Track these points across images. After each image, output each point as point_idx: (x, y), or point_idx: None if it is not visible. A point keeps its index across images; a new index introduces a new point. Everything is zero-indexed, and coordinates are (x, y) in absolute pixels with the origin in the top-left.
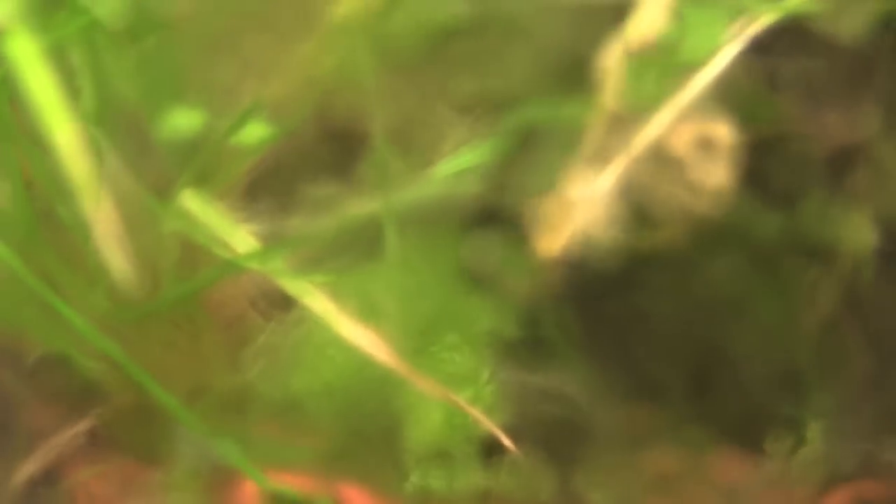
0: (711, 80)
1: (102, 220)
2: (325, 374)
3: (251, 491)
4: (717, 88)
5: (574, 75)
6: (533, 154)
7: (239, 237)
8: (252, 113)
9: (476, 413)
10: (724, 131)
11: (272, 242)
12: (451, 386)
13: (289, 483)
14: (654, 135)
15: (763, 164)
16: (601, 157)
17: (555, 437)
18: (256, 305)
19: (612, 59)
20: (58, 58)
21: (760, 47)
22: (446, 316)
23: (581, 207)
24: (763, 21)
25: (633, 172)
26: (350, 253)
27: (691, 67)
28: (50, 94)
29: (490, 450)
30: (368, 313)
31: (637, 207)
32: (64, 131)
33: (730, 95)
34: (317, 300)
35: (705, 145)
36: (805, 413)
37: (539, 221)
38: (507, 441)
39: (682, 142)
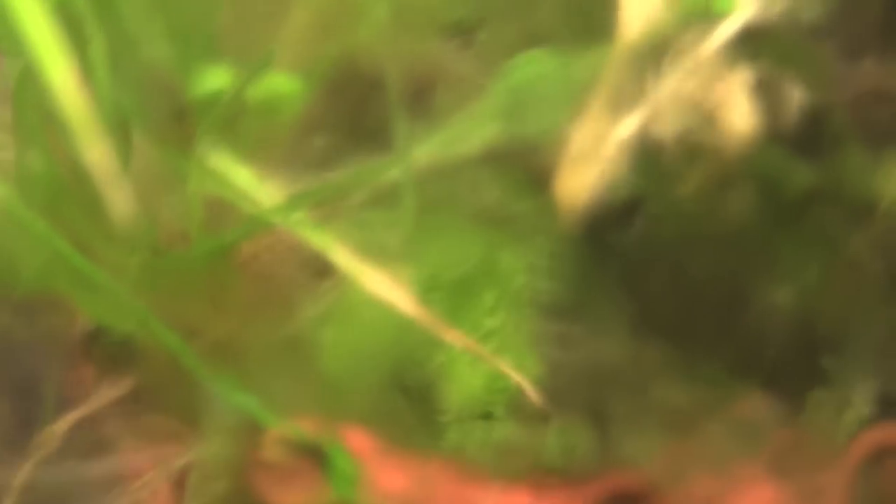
0: (743, 22)
1: (101, 166)
2: (359, 333)
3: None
4: (749, 31)
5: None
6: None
7: (264, 193)
8: (274, 67)
9: (511, 370)
10: (750, 76)
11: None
12: (488, 343)
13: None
14: (680, 78)
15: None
16: (622, 100)
17: (590, 392)
18: (293, 266)
19: None
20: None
21: None
22: (480, 273)
23: (601, 152)
24: None
25: (657, 115)
26: (378, 211)
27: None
28: (44, 30)
29: (527, 407)
30: (398, 272)
31: (660, 151)
32: (59, 70)
33: (761, 39)
34: (344, 256)
35: (734, 88)
36: (833, 361)
37: (559, 166)
38: (538, 397)
39: (709, 84)
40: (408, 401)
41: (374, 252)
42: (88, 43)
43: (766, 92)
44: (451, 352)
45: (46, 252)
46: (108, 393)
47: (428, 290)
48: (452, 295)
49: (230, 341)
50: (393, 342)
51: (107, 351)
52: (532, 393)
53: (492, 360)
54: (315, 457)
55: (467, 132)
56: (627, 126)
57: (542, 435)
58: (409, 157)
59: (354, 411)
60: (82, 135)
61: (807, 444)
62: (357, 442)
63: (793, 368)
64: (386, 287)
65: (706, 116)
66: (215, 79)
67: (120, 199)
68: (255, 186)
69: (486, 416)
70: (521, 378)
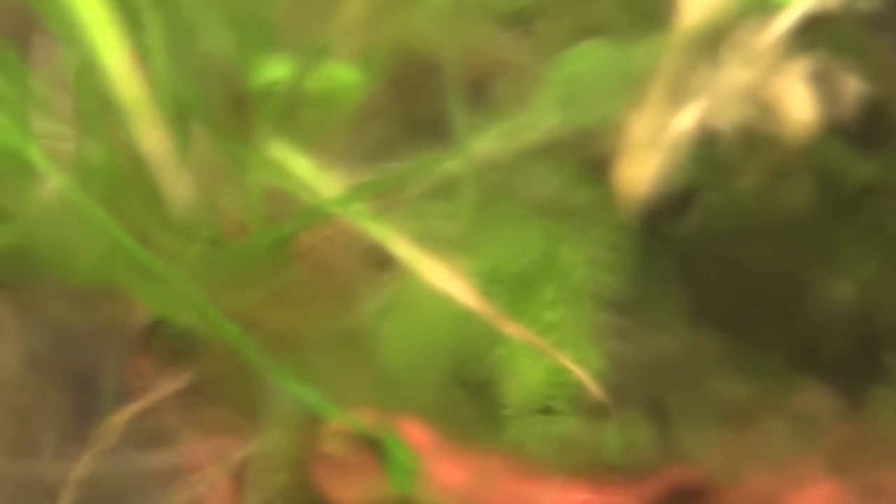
0: (802, 17)
1: (158, 153)
2: (419, 326)
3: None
4: (808, 22)
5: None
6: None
7: (323, 183)
8: (333, 56)
9: (571, 364)
10: (809, 67)
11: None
12: (548, 337)
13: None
14: (738, 68)
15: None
16: (680, 89)
17: (650, 386)
18: (352, 258)
19: None
20: None
21: None
22: (541, 265)
23: (659, 142)
24: None
25: (715, 106)
26: (438, 202)
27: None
28: (100, 17)
29: (588, 401)
30: (458, 264)
31: (718, 142)
32: (115, 57)
33: (820, 30)
34: (404, 247)
35: (793, 79)
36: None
37: (617, 157)
38: (598, 391)
39: (769, 75)
40: (468, 394)
41: (434, 243)
42: (146, 30)
43: (824, 83)
44: (512, 345)
45: (105, 243)
46: (167, 385)
47: (488, 283)
48: (513, 288)
49: (290, 333)
50: (453, 335)
51: (166, 343)
52: (592, 387)
53: (552, 353)
54: (373, 449)
55: (526, 123)
56: (686, 117)
57: (602, 430)
58: (468, 149)
59: (414, 405)
60: (139, 122)
61: (867, 440)
62: (415, 435)
63: (853, 363)
64: (445, 279)
65: (765, 107)
66: (275, 69)
67: (178, 187)
68: (315, 177)
69: (547, 410)
70: (582, 372)
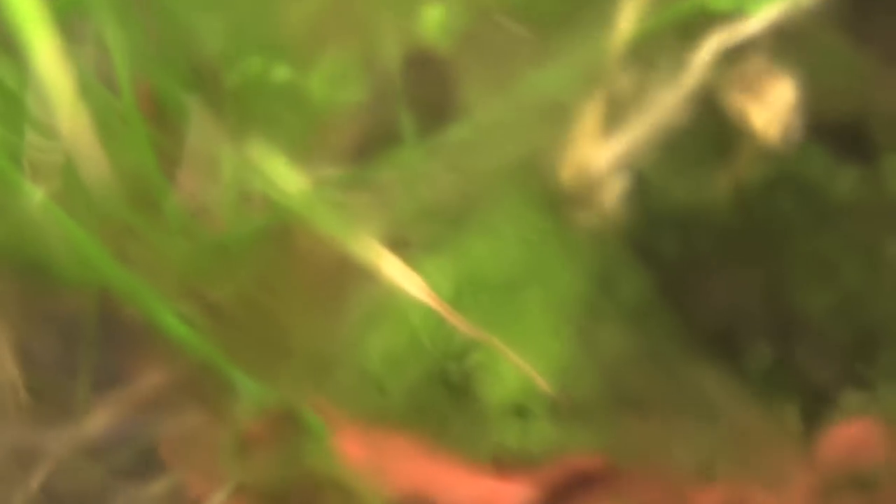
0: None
1: (78, 136)
2: (401, 329)
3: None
4: (791, 37)
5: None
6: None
7: (292, 182)
8: (339, 69)
9: (534, 371)
10: (784, 82)
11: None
12: (531, 343)
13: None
14: (694, 79)
15: (837, 118)
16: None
17: (632, 390)
18: (346, 260)
19: None
20: None
21: None
22: (527, 271)
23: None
24: None
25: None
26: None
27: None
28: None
29: (568, 406)
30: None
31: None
32: (41, 41)
33: (805, 46)
34: (372, 250)
35: (769, 88)
36: (879, 372)
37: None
38: (565, 396)
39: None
40: (448, 396)
41: (408, 245)
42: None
43: (801, 92)
44: (490, 349)
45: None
46: (152, 377)
47: (467, 286)
48: (492, 292)
49: (278, 331)
50: (432, 336)
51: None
52: (555, 390)
53: (516, 359)
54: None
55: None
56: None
57: (580, 431)
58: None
59: (393, 406)
60: (61, 105)
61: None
62: (325, 412)
63: (829, 371)
64: (411, 282)
65: (739, 116)
66: (257, 65)
67: (95, 168)
68: (285, 174)
69: (523, 412)
70: (544, 375)
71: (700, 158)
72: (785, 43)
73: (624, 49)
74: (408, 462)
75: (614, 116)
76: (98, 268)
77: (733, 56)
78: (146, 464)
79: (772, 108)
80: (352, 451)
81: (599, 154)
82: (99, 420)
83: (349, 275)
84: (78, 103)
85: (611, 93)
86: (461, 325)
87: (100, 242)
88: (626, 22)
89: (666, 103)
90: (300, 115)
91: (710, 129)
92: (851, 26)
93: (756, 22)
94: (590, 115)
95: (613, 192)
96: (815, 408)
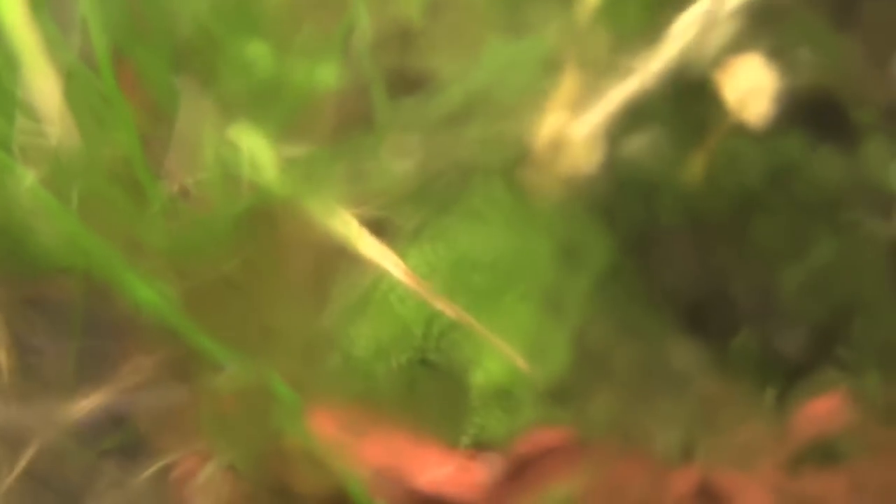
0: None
1: (46, 96)
2: (390, 315)
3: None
4: (771, 18)
5: None
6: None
7: (275, 165)
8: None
9: (525, 354)
10: (760, 60)
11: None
12: (512, 324)
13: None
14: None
15: (822, 106)
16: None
17: (607, 366)
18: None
19: None
20: None
21: None
22: (513, 263)
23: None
24: None
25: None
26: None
27: None
28: None
29: (556, 392)
30: (424, 254)
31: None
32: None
33: (785, 27)
34: (365, 241)
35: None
36: (858, 355)
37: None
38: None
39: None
40: (432, 379)
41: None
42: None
43: (783, 71)
44: (472, 331)
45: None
46: (138, 358)
47: (458, 271)
48: (474, 274)
49: (262, 312)
50: (420, 322)
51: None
52: (528, 368)
53: (493, 339)
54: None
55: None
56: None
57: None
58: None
59: (380, 390)
60: (30, 68)
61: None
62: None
63: (804, 353)
64: (395, 267)
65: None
66: (252, 50)
67: (63, 131)
68: (267, 155)
69: (505, 394)
70: (521, 358)
71: (674, 131)
72: (764, 22)
73: (597, 15)
74: (380, 439)
75: (591, 82)
76: (82, 249)
77: (710, 30)
78: (132, 445)
79: (746, 84)
80: (325, 427)
81: (574, 124)
82: (85, 402)
83: (334, 259)
84: (52, 77)
85: (586, 59)
86: (441, 304)
87: (84, 224)
88: None
89: (642, 74)
90: (280, 94)
91: (685, 102)
92: (835, 8)
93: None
94: (564, 85)
95: (588, 162)
96: (789, 382)
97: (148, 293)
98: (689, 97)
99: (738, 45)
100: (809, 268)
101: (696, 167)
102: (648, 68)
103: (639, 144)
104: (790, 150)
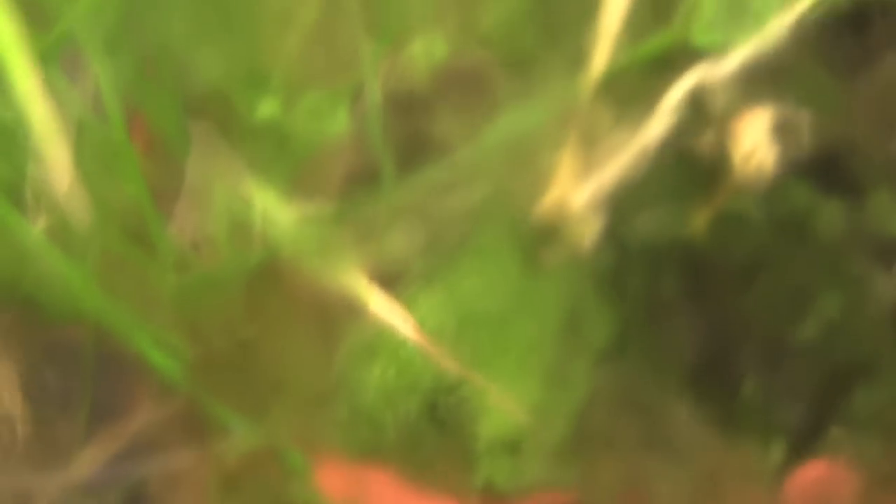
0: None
1: (58, 166)
2: (395, 364)
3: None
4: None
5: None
6: None
7: (282, 217)
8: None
9: (528, 410)
10: (761, 116)
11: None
12: (515, 379)
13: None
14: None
15: (828, 155)
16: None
17: (608, 428)
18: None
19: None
20: None
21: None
22: (512, 309)
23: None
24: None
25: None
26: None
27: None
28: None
29: (560, 454)
30: (433, 307)
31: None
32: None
33: (789, 79)
34: (367, 292)
35: (750, 124)
36: (864, 408)
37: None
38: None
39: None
40: (440, 431)
41: (400, 279)
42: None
43: (783, 128)
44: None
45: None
46: (145, 413)
47: (461, 321)
48: (481, 328)
49: (270, 366)
50: (426, 372)
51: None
52: (530, 424)
53: (496, 394)
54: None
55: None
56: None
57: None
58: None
59: (386, 442)
60: (42, 137)
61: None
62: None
63: (812, 404)
64: (396, 317)
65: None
66: (268, 106)
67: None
68: (276, 209)
69: (515, 448)
70: (523, 413)
71: (678, 194)
72: (765, 75)
73: (599, 85)
74: (388, 496)
75: (591, 153)
76: (89, 303)
77: (711, 90)
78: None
79: (751, 142)
80: (333, 485)
81: (576, 193)
82: (91, 457)
83: (342, 310)
84: (60, 138)
85: (587, 129)
86: (447, 361)
87: (91, 277)
88: (601, 58)
89: (641, 142)
90: (288, 149)
91: (689, 164)
92: (837, 61)
93: (734, 58)
94: (566, 154)
95: (590, 230)
96: (793, 445)
97: (156, 353)
98: (692, 157)
99: (742, 103)
100: (816, 326)
101: (700, 227)
102: (644, 139)
103: (642, 211)
104: (795, 205)
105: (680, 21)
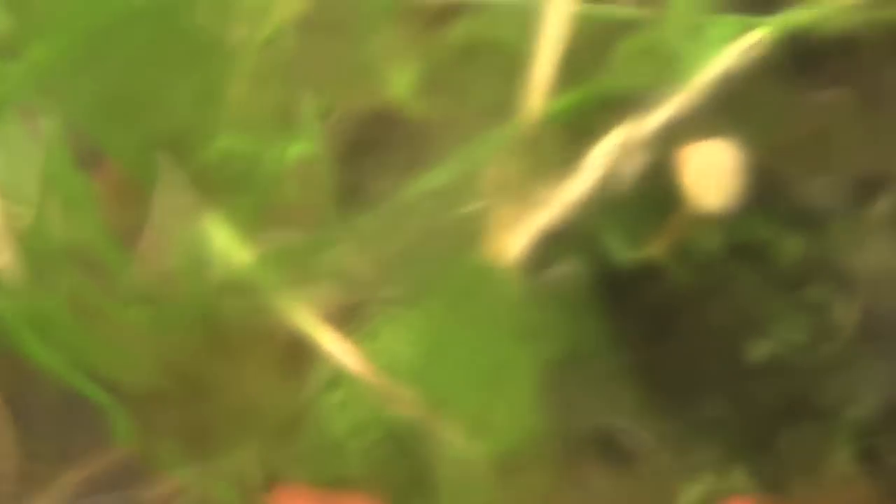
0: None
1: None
2: (361, 396)
3: None
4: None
5: None
6: None
7: (240, 255)
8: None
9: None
10: (726, 151)
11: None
12: (493, 422)
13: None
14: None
15: (784, 186)
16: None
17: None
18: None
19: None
20: None
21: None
22: (478, 340)
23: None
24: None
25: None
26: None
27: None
28: None
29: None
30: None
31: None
32: None
33: (747, 115)
34: (318, 330)
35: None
36: (820, 438)
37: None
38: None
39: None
40: (408, 463)
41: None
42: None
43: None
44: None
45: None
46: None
47: (427, 361)
48: (448, 358)
49: (236, 400)
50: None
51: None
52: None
53: (455, 428)
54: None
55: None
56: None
57: None
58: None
59: (353, 473)
60: None
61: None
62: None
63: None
64: (347, 355)
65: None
66: (230, 143)
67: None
68: (233, 246)
69: (476, 477)
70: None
71: (636, 224)
72: (724, 105)
73: (535, 130)
74: None
75: (523, 202)
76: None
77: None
78: None
79: (705, 171)
80: None
81: (509, 241)
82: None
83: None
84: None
85: (517, 179)
86: (400, 398)
87: (41, 319)
88: (535, 103)
89: (560, 203)
90: (255, 182)
91: (648, 195)
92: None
93: (664, 110)
94: (496, 202)
95: (540, 260)
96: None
97: (102, 393)
98: (645, 187)
99: (695, 131)
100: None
101: (657, 258)
102: (566, 197)
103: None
104: (757, 234)
105: (611, 69)
